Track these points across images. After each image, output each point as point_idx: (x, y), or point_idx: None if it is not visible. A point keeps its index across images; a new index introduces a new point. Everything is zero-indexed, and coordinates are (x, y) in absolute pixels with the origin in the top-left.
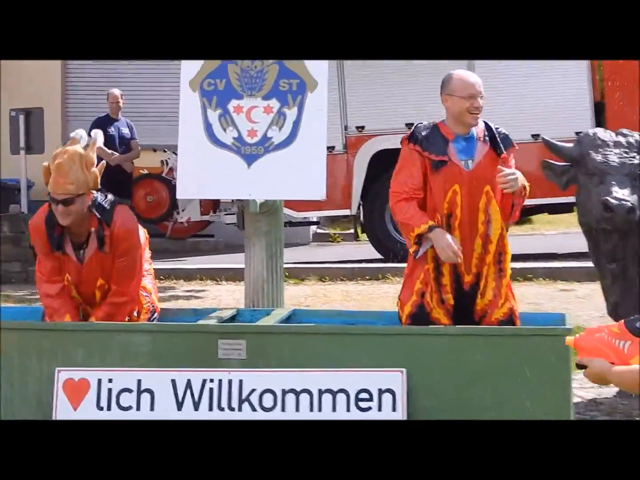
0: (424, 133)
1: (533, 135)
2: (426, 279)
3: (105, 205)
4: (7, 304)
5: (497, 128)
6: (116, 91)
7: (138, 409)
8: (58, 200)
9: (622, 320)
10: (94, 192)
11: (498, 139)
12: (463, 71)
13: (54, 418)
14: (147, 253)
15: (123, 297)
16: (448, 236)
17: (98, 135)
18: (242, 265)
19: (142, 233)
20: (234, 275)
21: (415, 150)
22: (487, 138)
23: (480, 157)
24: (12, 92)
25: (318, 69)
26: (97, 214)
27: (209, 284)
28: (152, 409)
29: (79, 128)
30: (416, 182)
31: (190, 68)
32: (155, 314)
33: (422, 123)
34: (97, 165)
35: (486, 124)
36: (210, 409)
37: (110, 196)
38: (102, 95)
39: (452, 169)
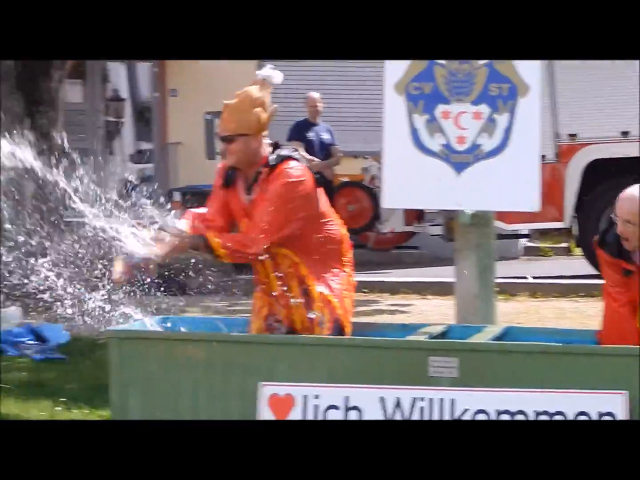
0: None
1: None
2: None
3: (281, 153)
4: (205, 314)
5: None
6: (315, 95)
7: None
8: (220, 137)
9: None
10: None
11: None
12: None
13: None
14: (348, 254)
15: (245, 240)
16: None
17: (276, 75)
18: (450, 279)
19: (335, 221)
20: (440, 289)
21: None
22: None
23: None
24: (207, 95)
25: (530, 71)
26: (270, 159)
27: (415, 297)
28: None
29: (279, 131)
30: None
31: (395, 70)
32: (337, 323)
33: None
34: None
35: None
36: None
37: (293, 151)
38: (301, 98)
39: None
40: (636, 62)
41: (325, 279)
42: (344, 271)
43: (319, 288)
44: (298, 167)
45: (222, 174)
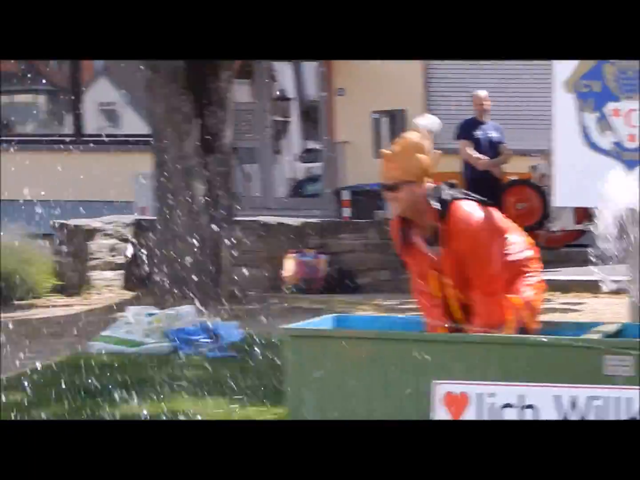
0: None
1: None
2: None
3: (445, 198)
4: (378, 313)
5: None
6: (482, 93)
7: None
8: (384, 186)
9: None
10: (437, 184)
11: None
12: None
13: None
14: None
15: (486, 298)
16: None
17: (434, 123)
18: (622, 278)
19: (517, 238)
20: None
21: None
22: None
23: None
24: (374, 94)
25: None
26: (435, 207)
27: (586, 296)
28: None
29: (447, 132)
30: None
31: (563, 68)
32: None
33: None
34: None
35: None
36: None
37: (455, 190)
38: (466, 96)
39: None
40: None
41: (515, 283)
42: (532, 274)
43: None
44: (471, 206)
45: (396, 231)
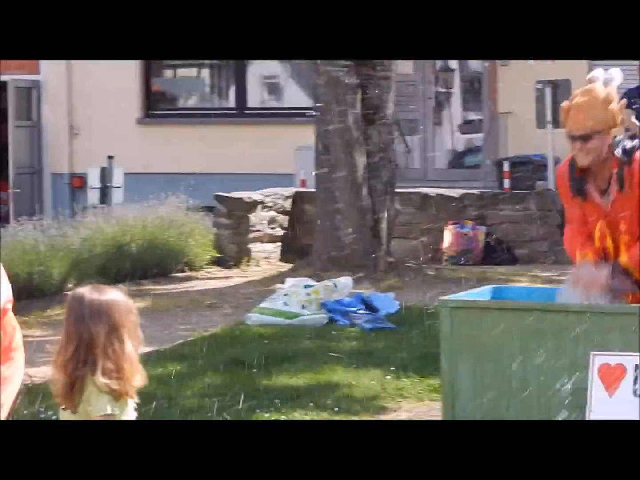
0: None
1: None
2: None
3: (627, 146)
4: (535, 284)
5: None
6: None
7: None
8: (575, 136)
9: None
10: (618, 134)
11: None
12: None
13: (588, 404)
14: None
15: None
16: None
17: (617, 74)
18: None
19: None
20: None
21: None
22: None
23: None
24: (538, 64)
25: None
26: (618, 154)
27: None
28: None
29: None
30: None
31: None
32: None
33: None
34: (618, 103)
35: None
36: None
37: (637, 140)
38: (629, 65)
39: None
40: None
41: None
42: None
43: None
44: None
45: (567, 183)
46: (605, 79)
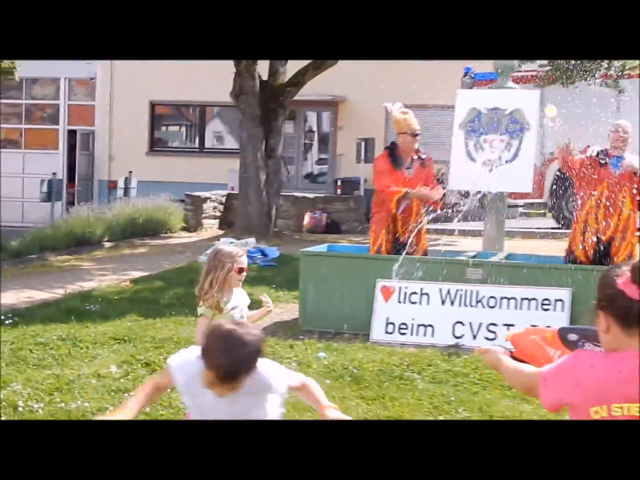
0: None
1: None
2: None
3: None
4: (350, 244)
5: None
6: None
7: (420, 303)
8: (415, 133)
9: (558, 328)
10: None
11: None
12: None
13: (374, 308)
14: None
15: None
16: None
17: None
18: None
19: None
20: (470, 233)
21: None
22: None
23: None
24: (359, 127)
25: (532, 117)
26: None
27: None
28: (428, 303)
29: None
30: None
31: (459, 116)
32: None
33: None
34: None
35: None
36: (459, 305)
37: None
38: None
39: None
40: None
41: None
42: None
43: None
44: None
45: (388, 161)
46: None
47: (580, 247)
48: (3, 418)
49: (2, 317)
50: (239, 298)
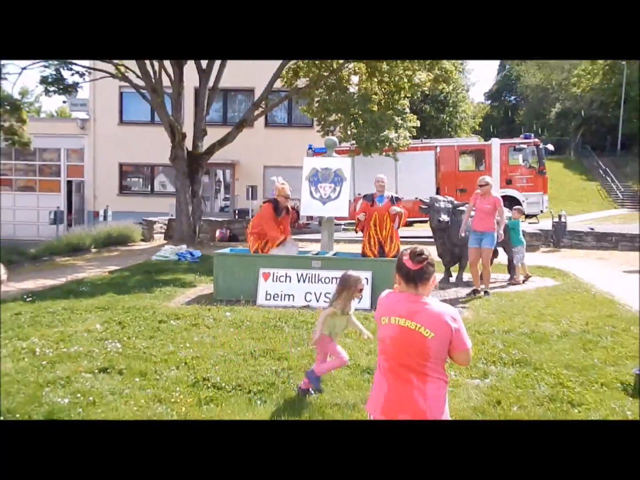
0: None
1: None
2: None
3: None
4: (241, 247)
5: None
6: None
7: (285, 281)
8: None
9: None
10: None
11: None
12: None
13: (258, 285)
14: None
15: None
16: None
17: (279, 179)
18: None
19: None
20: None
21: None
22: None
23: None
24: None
25: (346, 172)
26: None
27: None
28: (290, 282)
29: None
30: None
31: (306, 169)
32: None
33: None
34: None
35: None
36: (308, 282)
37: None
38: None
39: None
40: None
41: None
42: None
43: None
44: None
45: (271, 210)
46: (280, 180)
47: (369, 249)
48: (26, 360)
49: (25, 296)
50: (353, 305)
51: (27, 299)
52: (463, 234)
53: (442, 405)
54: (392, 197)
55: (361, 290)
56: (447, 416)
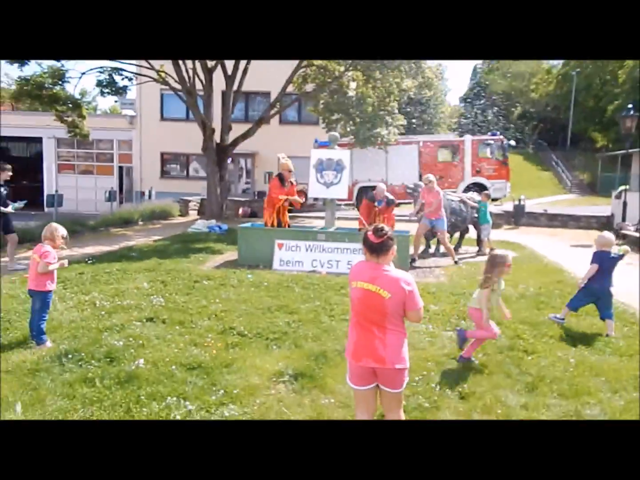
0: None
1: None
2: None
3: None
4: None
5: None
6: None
7: (296, 250)
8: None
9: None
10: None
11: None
12: None
13: (274, 253)
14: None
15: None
16: None
17: (281, 155)
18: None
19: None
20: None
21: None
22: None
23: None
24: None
25: (346, 162)
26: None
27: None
28: (300, 251)
29: None
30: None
31: (314, 159)
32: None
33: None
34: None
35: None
36: (315, 252)
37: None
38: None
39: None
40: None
41: None
42: None
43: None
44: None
45: (278, 182)
46: (282, 156)
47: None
48: (88, 310)
49: (86, 259)
50: (502, 284)
51: (88, 262)
52: (415, 218)
53: (400, 352)
54: (387, 199)
55: (509, 266)
56: (406, 363)
